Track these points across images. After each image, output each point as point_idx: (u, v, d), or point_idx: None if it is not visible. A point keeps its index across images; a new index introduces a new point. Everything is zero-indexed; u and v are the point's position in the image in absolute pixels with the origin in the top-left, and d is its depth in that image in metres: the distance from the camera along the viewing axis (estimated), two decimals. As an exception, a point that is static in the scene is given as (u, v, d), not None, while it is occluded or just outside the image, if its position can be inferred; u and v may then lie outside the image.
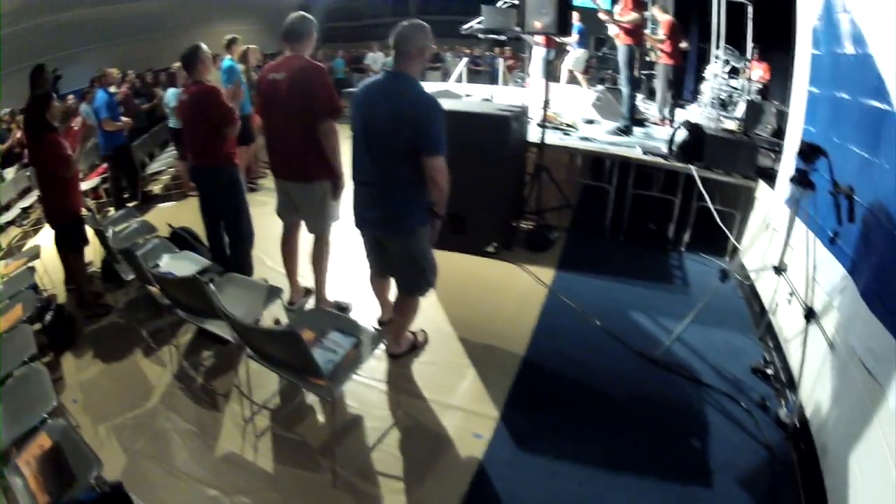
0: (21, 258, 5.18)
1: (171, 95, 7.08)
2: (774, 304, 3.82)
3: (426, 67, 14.40)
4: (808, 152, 2.97)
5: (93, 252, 4.95)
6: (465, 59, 10.39)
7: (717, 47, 5.87)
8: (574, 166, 5.86)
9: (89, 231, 4.75)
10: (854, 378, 2.54)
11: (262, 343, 2.85)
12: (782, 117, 6.80)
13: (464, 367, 3.64)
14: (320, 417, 3.28)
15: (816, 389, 2.95)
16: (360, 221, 3.29)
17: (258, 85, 3.92)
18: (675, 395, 3.40)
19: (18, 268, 4.92)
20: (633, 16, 5.93)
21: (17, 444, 2.56)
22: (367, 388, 3.41)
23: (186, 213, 6.39)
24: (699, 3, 9.62)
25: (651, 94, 9.46)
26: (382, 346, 3.37)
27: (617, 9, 6.21)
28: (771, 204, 4.37)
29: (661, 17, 7.33)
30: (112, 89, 7.28)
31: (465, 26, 7.72)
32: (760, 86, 7.95)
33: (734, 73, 7.91)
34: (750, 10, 5.58)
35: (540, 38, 6.49)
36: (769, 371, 3.48)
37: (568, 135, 6.02)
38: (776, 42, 6.39)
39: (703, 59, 8.34)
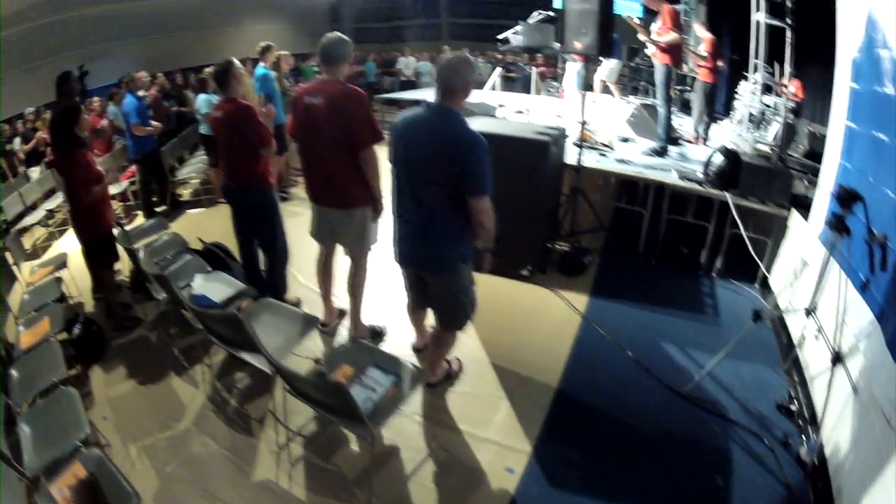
0: (48, 266, 5.24)
1: (202, 101, 7.14)
2: (802, 338, 3.81)
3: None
4: (846, 198, 2.98)
5: (121, 262, 4.96)
6: (498, 70, 10.41)
7: (756, 70, 5.85)
8: (608, 188, 5.85)
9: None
10: (873, 425, 2.57)
11: (304, 386, 2.86)
12: (815, 138, 6.82)
13: (498, 399, 3.66)
14: (355, 447, 3.30)
15: (837, 430, 2.96)
16: (401, 258, 3.28)
17: (293, 107, 3.86)
18: (702, 430, 3.42)
19: (45, 276, 4.98)
20: (672, 36, 5.89)
21: (50, 470, 2.59)
22: (402, 418, 3.40)
23: (217, 221, 6.49)
24: (733, 20, 9.62)
25: (685, 106, 9.47)
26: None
27: (655, 28, 6.18)
28: (804, 236, 4.37)
29: (704, 35, 7.34)
30: (141, 93, 7.31)
31: (501, 36, 7.75)
32: (794, 104, 7.92)
33: (767, 89, 7.89)
34: (789, 34, 5.53)
35: (576, 53, 6.50)
36: (793, 407, 3.49)
37: (604, 155, 6.01)
38: (811, 59, 6.35)
39: (735, 71, 8.30)
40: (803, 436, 3.29)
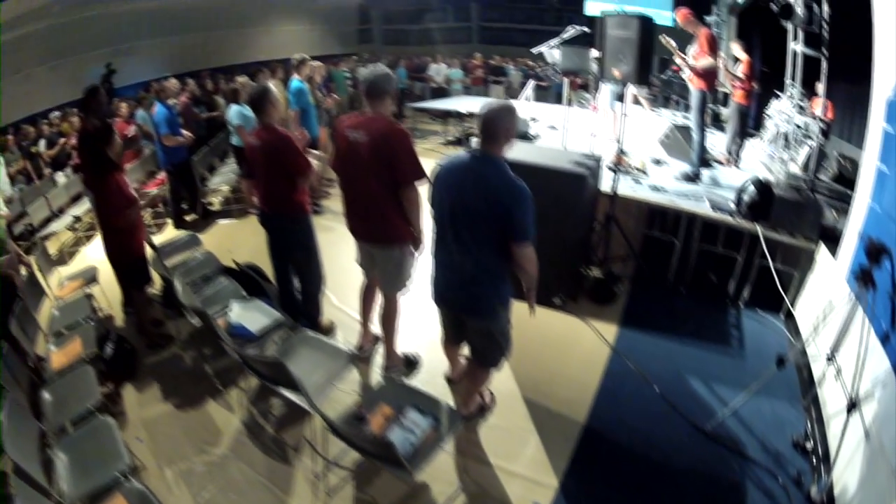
0: (77, 279, 5.26)
1: (234, 113, 7.22)
2: (823, 376, 3.89)
3: (490, 82, 14.50)
4: (874, 253, 3.11)
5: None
6: (531, 82, 10.52)
7: (791, 97, 5.91)
8: (641, 215, 5.94)
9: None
10: (880, 472, 2.71)
11: (345, 432, 2.95)
12: (844, 162, 6.90)
13: (527, 433, 3.78)
14: (391, 478, 3.32)
15: (847, 472, 3.09)
16: (440, 299, 3.40)
17: (335, 139, 3.91)
18: (722, 467, 3.54)
19: (74, 290, 5.00)
20: (709, 61, 5.94)
21: (90, 501, 2.71)
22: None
23: (248, 233, 6.68)
24: (764, 29, 9.65)
25: (716, 119, 9.55)
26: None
27: (691, 51, 6.25)
28: (831, 274, 4.46)
29: (741, 56, 7.40)
30: (171, 101, 7.43)
31: (536, 50, 7.86)
32: (824, 125, 7.97)
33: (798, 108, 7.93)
34: (825, 64, 5.60)
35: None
36: (809, 445, 3.60)
37: (638, 182, 6.12)
38: (843, 76, 6.40)
39: (765, 85, 8.33)
40: (816, 474, 3.41)
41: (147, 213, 7.61)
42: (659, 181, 6.23)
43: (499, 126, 2.96)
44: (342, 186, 3.87)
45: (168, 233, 7.48)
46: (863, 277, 3.11)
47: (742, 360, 4.57)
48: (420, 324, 4.68)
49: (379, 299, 4.24)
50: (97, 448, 3.04)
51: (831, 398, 3.68)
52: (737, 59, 7.69)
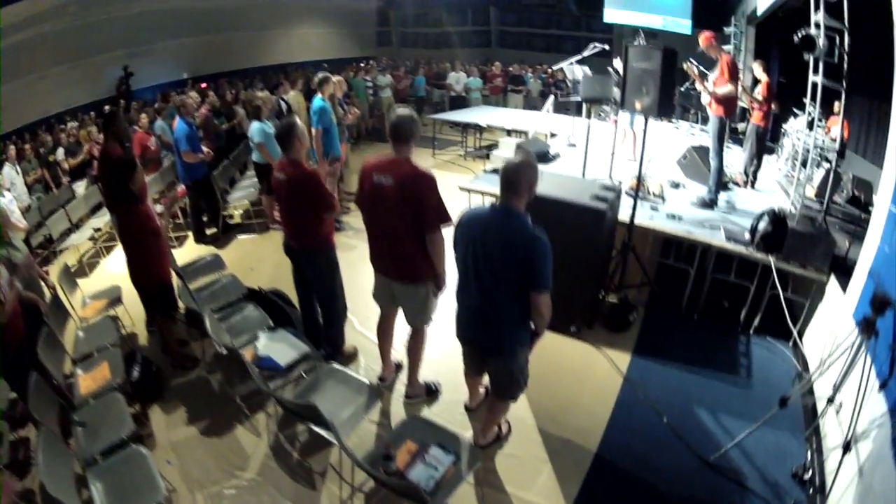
0: (100, 298, 5.40)
1: (255, 131, 7.42)
2: (825, 409, 4.10)
3: (509, 91, 14.68)
4: (878, 305, 3.34)
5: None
6: (551, 98, 10.73)
7: (812, 127, 6.09)
8: (657, 243, 6.14)
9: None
10: None
11: (371, 470, 3.13)
12: (858, 185, 7.15)
13: (541, 462, 4.02)
14: None
15: None
16: (463, 338, 3.66)
17: (361, 179, 3.97)
18: (723, 498, 3.77)
19: (98, 311, 5.14)
20: (729, 88, 6.09)
21: None
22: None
23: (269, 249, 6.93)
24: (781, 41, 9.81)
25: (733, 132, 9.74)
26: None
27: (712, 77, 6.43)
28: (839, 310, 4.67)
29: (762, 77, 7.56)
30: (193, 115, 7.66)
31: (556, 67, 8.08)
32: (839, 146, 8.17)
33: (811, 126, 8.11)
34: (843, 95, 5.79)
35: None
36: (807, 476, 3.81)
37: (655, 209, 6.34)
38: (858, 93, 6.57)
39: (781, 101, 8.51)
40: (811, 506, 3.67)
41: (166, 225, 7.80)
42: (676, 207, 6.44)
43: (521, 181, 3.18)
44: (366, 223, 4.04)
45: (188, 247, 7.73)
46: (866, 328, 3.35)
47: (749, 391, 4.78)
48: (441, 352, 4.91)
49: (396, 330, 4.50)
50: (132, 478, 3.25)
51: (832, 431, 3.92)
52: (756, 81, 7.87)
